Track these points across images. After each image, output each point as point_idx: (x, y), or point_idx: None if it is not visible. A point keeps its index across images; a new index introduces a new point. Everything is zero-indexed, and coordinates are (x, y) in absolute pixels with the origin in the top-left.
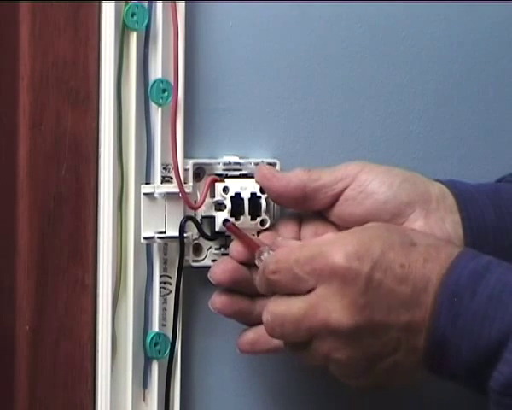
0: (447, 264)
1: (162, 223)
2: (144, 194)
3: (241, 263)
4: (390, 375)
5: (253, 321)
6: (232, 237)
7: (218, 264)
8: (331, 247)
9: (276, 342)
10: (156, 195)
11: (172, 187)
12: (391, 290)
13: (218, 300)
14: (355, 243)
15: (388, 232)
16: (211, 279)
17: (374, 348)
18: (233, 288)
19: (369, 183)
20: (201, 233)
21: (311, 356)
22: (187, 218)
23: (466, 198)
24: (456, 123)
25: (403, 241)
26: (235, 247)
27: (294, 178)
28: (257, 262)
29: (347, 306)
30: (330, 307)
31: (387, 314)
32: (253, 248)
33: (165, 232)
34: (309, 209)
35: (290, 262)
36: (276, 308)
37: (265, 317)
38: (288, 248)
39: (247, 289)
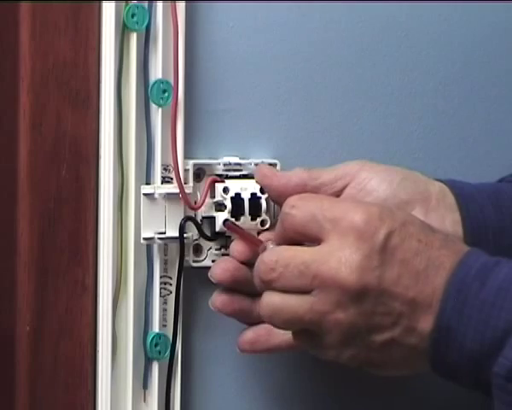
0: (461, 254)
1: (162, 223)
2: (144, 194)
3: (242, 263)
4: (384, 353)
5: (253, 320)
6: (233, 236)
7: (219, 263)
8: (355, 204)
9: (276, 341)
10: (156, 195)
11: (172, 188)
12: (404, 260)
13: (218, 299)
14: (379, 207)
15: (412, 214)
16: (211, 278)
17: (375, 317)
18: (233, 287)
19: (368, 181)
20: (201, 233)
21: (305, 309)
22: (187, 218)
23: (466, 197)
24: (456, 123)
25: (424, 224)
26: (236, 246)
27: (295, 176)
28: None
29: (359, 262)
30: (343, 258)
31: (396, 283)
32: (255, 243)
33: (165, 233)
34: None
35: (313, 206)
36: (284, 250)
37: (268, 257)
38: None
39: (248, 289)
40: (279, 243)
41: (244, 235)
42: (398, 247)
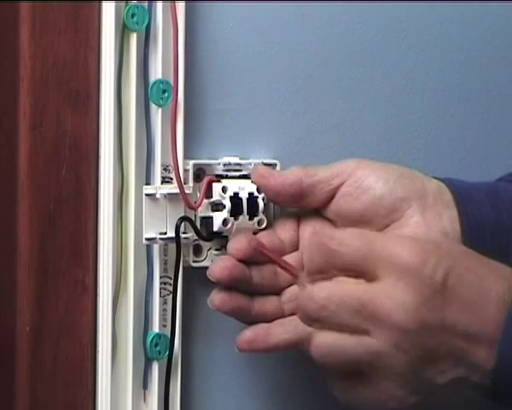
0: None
1: (164, 224)
2: (146, 195)
3: (240, 261)
4: (446, 392)
5: (251, 319)
6: (228, 235)
7: (217, 261)
8: (410, 241)
9: (275, 340)
10: (158, 196)
11: (174, 188)
12: (464, 297)
13: (216, 297)
14: (435, 244)
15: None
16: (210, 277)
17: (436, 357)
18: (232, 286)
19: (365, 178)
20: (197, 233)
21: (362, 349)
22: (182, 218)
23: (463, 194)
24: (457, 123)
25: (478, 256)
26: (233, 245)
27: (291, 175)
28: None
29: (418, 303)
30: (401, 299)
31: (458, 320)
32: (287, 269)
33: (166, 233)
34: (306, 207)
35: (364, 242)
36: (335, 286)
37: (318, 294)
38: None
39: (246, 288)
40: (315, 276)
41: (277, 259)
42: (457, 284)
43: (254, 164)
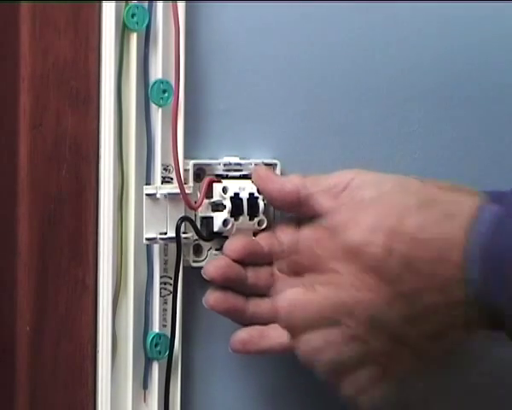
0: (471, 215)
1: (164, 224)
2: (146, 195)
3: (236, 261)
4: (432, 318)
5: (246, 320)
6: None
7: (212, 261)
8: (345, 226)
9: (268, 343)
10: (158, 195)
11: (174, 188)
12: (414, 257)
13: (211, 296)
14: (369, 218)
15: (404, 196)
16: (204, 275)
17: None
18: (227, 285)
19: (359, 190)
20: (198, 234)
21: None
22: (183, 218)
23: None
24: (457, 123)
25: (421, 200)
26: (230, 245)
27: (289, 183)
28: None
29: (364, 282)
30: (355, 285)
31: (416, 282)
32: None
33: (166, 233)
34: (304, 215)
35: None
36: (293, 293)
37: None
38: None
39: (241, 288)
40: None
41: None
42: (402, 249)
43: (255, 164)
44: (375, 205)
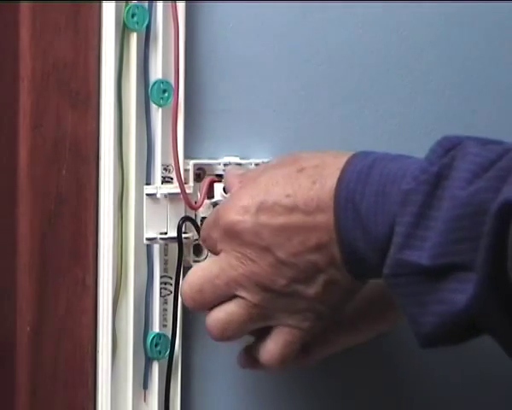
0: (336, 176)
1: (164, 224)
2: (147, 195)
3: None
4: (330, 293)
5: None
6: None
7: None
8: (223, 211)
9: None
10: (158, 195)
11: (174, 188)
12: (283, 224)
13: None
14: (243, 199)
15: (275, 168)
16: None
17: (297, 277)
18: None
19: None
20: (199, 233)
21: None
22: (185, 218)
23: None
24: (456, 123)
25: (289, 171)
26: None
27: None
28: None
29: (245, 255)
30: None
31: (290, 247)
32: None
33: (166, 233)
34: None
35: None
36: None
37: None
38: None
39: None
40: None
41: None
42: (270, 219)
43: (254, 164)
44: (250, 186)
